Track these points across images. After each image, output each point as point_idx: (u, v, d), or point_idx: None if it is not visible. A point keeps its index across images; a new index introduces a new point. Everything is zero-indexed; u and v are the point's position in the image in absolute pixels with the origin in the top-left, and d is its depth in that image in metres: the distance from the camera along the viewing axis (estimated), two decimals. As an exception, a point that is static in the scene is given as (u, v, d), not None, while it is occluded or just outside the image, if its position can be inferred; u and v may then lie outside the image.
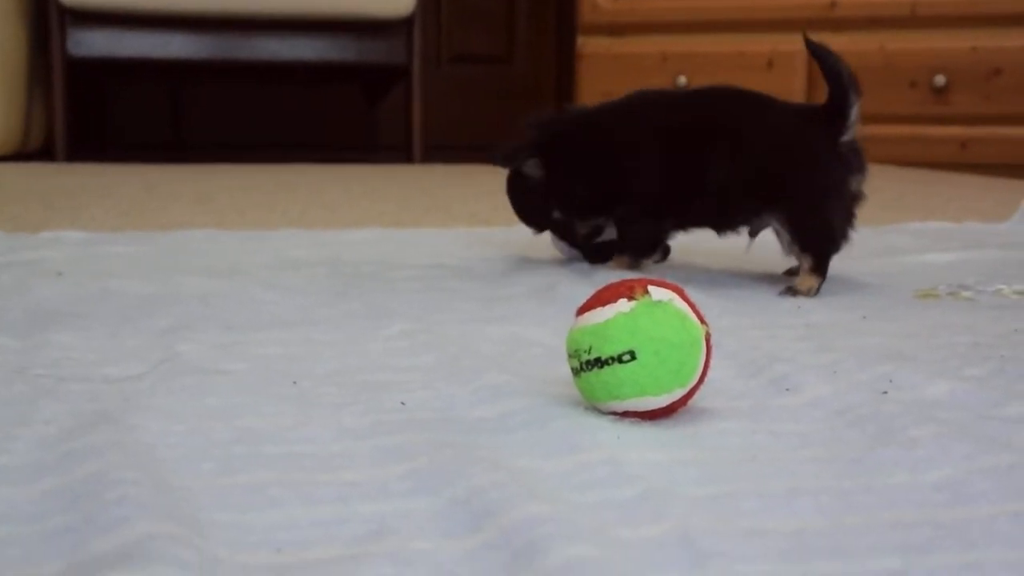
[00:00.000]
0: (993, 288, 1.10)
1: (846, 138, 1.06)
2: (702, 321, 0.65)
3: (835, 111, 1.06)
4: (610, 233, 1.20)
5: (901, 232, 1.55)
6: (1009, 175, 2.58)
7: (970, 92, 3.07)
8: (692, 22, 3.30)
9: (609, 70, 3.33)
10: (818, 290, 1.07)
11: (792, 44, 3.00)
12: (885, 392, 0.70)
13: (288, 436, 0.60)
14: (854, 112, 1.06)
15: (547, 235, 1.24)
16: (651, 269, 1.17)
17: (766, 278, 1.14)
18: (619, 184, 1.14)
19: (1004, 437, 0.60)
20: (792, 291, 1.06)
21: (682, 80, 3.27)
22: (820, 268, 1.07)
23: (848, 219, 1.09)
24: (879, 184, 2.37)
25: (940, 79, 3.08)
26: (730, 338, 0.83)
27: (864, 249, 1.36)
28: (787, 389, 0.71)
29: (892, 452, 0.58)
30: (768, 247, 1.14)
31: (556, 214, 1.19)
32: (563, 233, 1.21)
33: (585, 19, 3.43)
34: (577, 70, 3.45)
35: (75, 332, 0.84)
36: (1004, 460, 0.56)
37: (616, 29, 3.40)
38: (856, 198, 1.09)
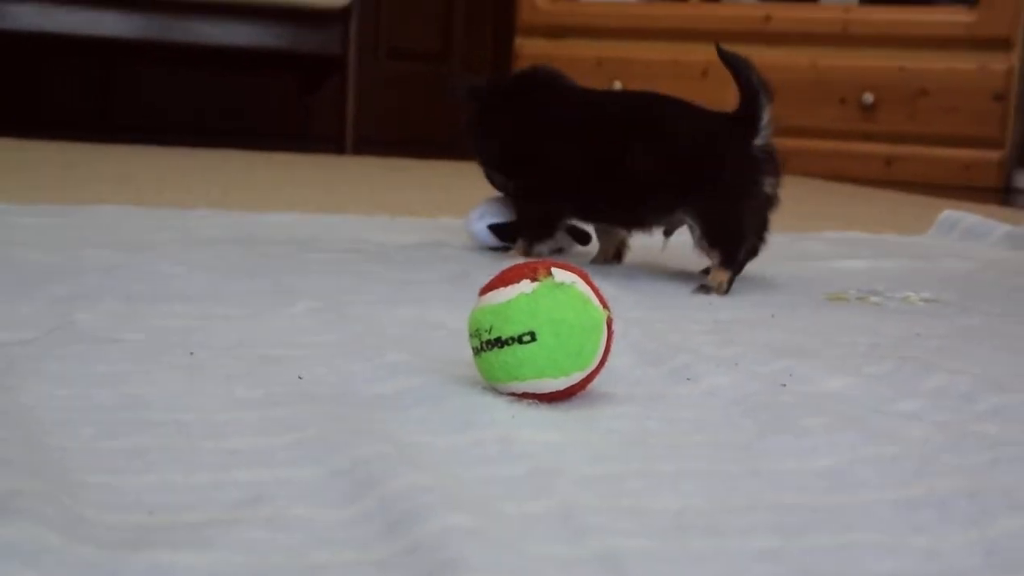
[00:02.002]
0: (901, 295, 1.12)
1: (759, 141, 1.08)
2: (604, 306, 0.65)
3: (747, 116, 1.08)
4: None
5: (817, 240, 1.57)
6: (931, 194, 2.62)
7: (897, 111, 3.12)
8: (630, 29, 3.32)
9: (544, 71, 3.33)
10: (729, 286, 1.07)
11: (725, 54, 3.02)
12: (784, 384, 0.71)
13: (175, 404, 0.58)
14: (765, 116, 1.08)
15: (462, 223, 1.27)
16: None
17: (681, 275, 1.15)
18: (526, 150, 1.18)
19: (892, 430, 0.60)
20: (704, 288, 1.07)
21: (617, 85, 3.29)
22: (729, 262, 1.08)
23: (761, 221, 1.10)
24: (802, 195, 2.41)
25: (868, 97, 3.13)
26: (637, 329, 0.83)
27: (779, 254, 1.37)
28: (687, 379, 0.71)
29: (782, 440, 0.58)
30: (687, 246, 1.14)
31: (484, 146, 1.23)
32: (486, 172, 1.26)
33: (524, 20, 3.44)
34: (512, 70, 3.45)
35: (-31, 297, 0.82)
36: (888, 451, 0.56)
37: (554, 31, 3.41)
38: (770, 201, 1.10)
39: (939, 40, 3.08)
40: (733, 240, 1.08)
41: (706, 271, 1.15)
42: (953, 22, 3.06)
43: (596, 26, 3.36)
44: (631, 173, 1.10)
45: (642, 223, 1.14)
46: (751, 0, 3.28)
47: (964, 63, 3.05)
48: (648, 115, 1.13)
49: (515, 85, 1.24)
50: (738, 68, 1.09)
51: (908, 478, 0.53)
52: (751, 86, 1.08)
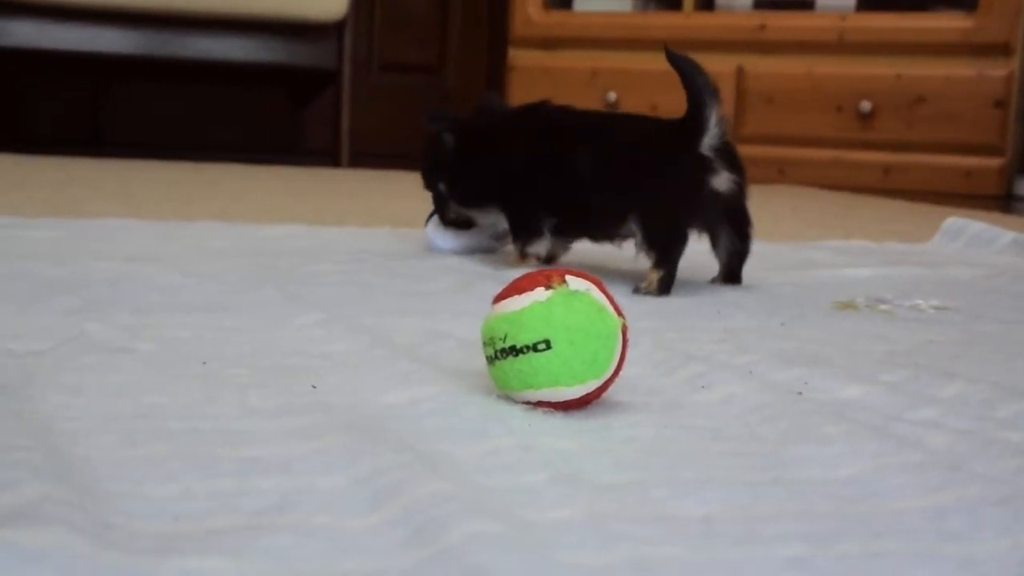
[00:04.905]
0: (911, 302, 1.11)
1: (710, 141, 1.09)
2: (619, 313, 0.65)
3: (693, 117, 1.10)
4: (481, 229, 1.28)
5: (820, 248, 1.57)
6: (930, 202, 2.62)
7: (894, 119, 3.11)
8: (623, 39, 3.32)
9: (540, 83, 3.34)
10: (662, 286, 1.09)
11: (721, 65, 3.03)
12: (800, 393, 0.70)
13: (192, 412, 0.58)
14: (713, 116, 1.09)
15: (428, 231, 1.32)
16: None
17: (689, 285, 1.15)
18: (500, 185, 1.20)
19: (915, 437, 0.60)
20: (637, 289, 1.09)
21: (612, 96, 3.29)
22: (663, 262, 1.09)
23: (737, 218, 1.13)
24: (801, 205, 2.41)
25: (866, 105, 3.12)
26: (647, 338, 0.83)
27: (783, 263, 1.37)
28: (702, 387, 0.71)
29: (804, 448, 0.58)
30: (698, 255, 1.14)
31: (441, 187, 1.26)
32: (436, 204, 1.29)
33: (517, 32, 3.44)
34: (508, 82, 3.45)
35: (-21, 310, 0.82)
36: (914, 459, 0.56)
37: (548, 43, 3.41)
38: (728, 197, 1.11)
39: (937, 47, 3.07)
40: (669, 240, 1.10)
41: (714, 281, 1.16)
42: (951, 28, 3.05)
43: (590, 37, 3.36)
44: (581, 184, 1.14)
45: (606, 234, 1.16)
46: (746, 8, 3.28)
47: (963, 69, 3.04)
48: (594, 128, 1.17)
49: (484, 120, 1.27)
50: (685, 69, 1.11)
51: (936, 486, 0.52)
52: (695, 87, 1.09)
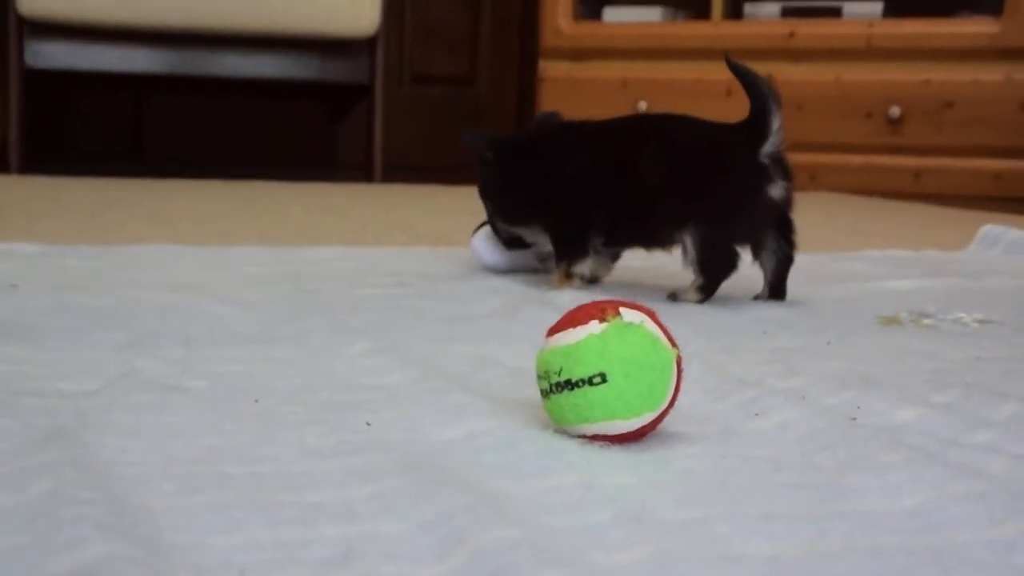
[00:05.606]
0: (953, 316, 1.11)
1: (769, 148, 1.10)
2: (673, 344, 0.64)
3: (757, 122, 1.11)
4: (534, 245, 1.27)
5: (859, 259, 1.56)
6: (960, 206, 2.60)
7: (923, 124, 3.10)
8: (652, 49, 3.31)
9: (570, 94, 3.34)
10: (702, 296, 1.12)
11: (752, 72, 3.01)
12: (854, 418, 0.70)
13: (250, 455, 0.58)
14: (775, 122, 1.10)
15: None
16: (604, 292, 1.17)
17: (731, 301, 1.14)
18: (543, 201, 1.20)
19: (974, 464, 0.60)
20: (674, 296, 1.14)
21: (642, 105, 3.28)
22: (708, 290, 1.13)
23: (784, 224, 1.14)
24: (834, 211, 2.40)
25: (895, 110, 3.11)
26: (696, 362, 0.82)
27: (824, 275, 1.37)
28: (756, 414, 0.70)
29: (864, 478, 0.57)
30: (741, 270, 1.14)
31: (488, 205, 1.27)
32: (490, 221, 1.29)
33: (547, 43, 3.44)
34: (538, 93, 3.45)
35: (29, 345, 0.82)
36: (976, 487, 0.55)
37: (577, 54, 3.41)
38: (785, 203, 1.13)
39: (964, 51, 3.06)
40: (719, 267, 1.12)
41: (757, 297, 1.16)
42: (977, 33, 3.04)
43: (619, 47, 3.36)
44: (643, 189, 1.13)
45: (662, 240, 1.16)
46: (774, 17, 3.27)
47: (989, 74, 3.03)
48: (654, 130, 1.18)
49: (525, 137, 1.28)
50: (746, 76, 1.12)
51: (1000, 516, 0.52)
52: (761, 92, 1.11)
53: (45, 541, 0.44)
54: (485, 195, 1.26)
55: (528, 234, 1.25)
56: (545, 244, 1.23)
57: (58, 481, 0.51)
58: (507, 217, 1.25)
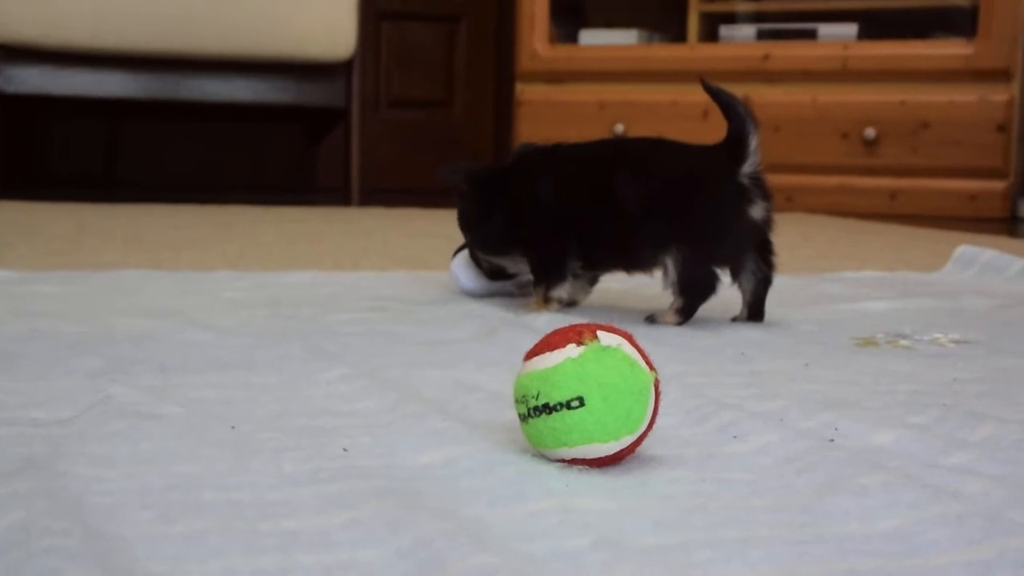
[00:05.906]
0: (930, 336, 1.11)
1: (747, 169, 1.11)
2: (651, 367, 0.64)
3: (735, 143, 1.11)
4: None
5: (836, 281, 1.56)
6: (936, 226, 2.62)
7: (899, 145, 3.13)
8: (629, 72, 3.33)
9: (547, 117, 3.35)
10: (680, 319, 1.13)
11: (727, 94, 3.03)
12: (831, 440, 0.70)
13: (226, 483, 0.58)
14: (753, 142, 1.11)
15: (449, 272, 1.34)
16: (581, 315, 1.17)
17: (708, 324, 1.14)
18: (520, 229, 1.20)
19: (952, 486, 0.60)
20: (652, 318, 1.14)
21: (620, 128, 3.29)
22: (686, 313, 1.13)
23: (762, 244, 1.14)
24: (811, 233, 2.41)
25: (870, 132, 3.13)
26: (674, 385, 0.82)
27: (801, 297, 1.37)
28: (734, 437, 0.70)
29: (842, 500, 0.57)
30: (721, 297, 1.14)
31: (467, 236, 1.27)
32: (471, 253, 1.29)
33: (523, 66, 3.45)
34: (515, 116, 3.46)
35: (2, 373, 0.82)
36: (953, 509, 0.55)
37: (554, 77, 3.42)
38: (765, 224, 1.13)
39: (939, 73, 3.09)
40: (699, 291, 1.12)
41: (735, 319, 1.17)
42: (952, 55, 3.07)
43: (596, 70, 3.37)
44: (623, 212, 1.13)
45: (641, 262, 1.17)
46: (749, 39, 3.29)
47: (964, 95, 3.06)
48: (632, 154, 1.19)
49: (502, 167, 1.28)
50: (722, 98, 1.13)
51: (976, 538, 0.52)
52: (737, 114, 1.11)
53: (18, 573, 0.44)
54: (464, 227, 1.26)
55: (510, 264, 1.25)
56: (526, 273, 1.23)
57: (31, 511, 0.50)
58: (487, 247, 1.25)
